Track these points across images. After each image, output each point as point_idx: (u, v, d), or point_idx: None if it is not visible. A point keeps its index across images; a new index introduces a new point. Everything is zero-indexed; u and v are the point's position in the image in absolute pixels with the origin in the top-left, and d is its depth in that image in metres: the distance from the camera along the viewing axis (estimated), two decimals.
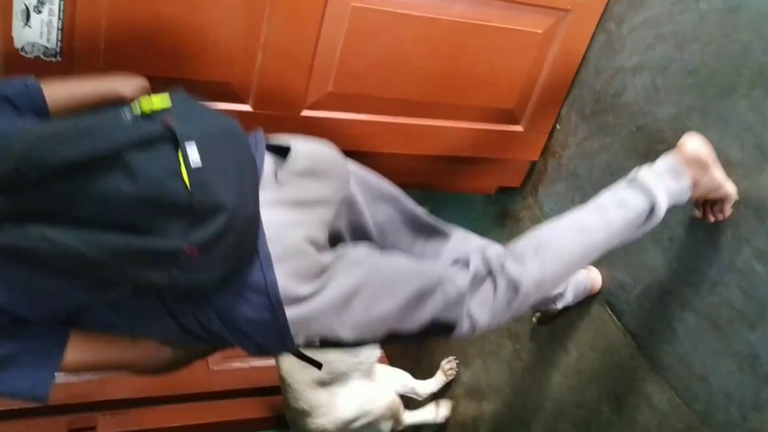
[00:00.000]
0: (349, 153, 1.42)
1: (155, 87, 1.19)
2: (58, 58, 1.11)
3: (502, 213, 1.71)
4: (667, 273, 1.25)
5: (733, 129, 1.14)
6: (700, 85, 1.21)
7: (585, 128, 1.46)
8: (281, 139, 0.98)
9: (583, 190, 1.46)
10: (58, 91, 0.93)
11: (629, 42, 1.35)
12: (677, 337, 1.22)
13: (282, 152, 0.95)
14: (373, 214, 1.04)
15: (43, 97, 0.91)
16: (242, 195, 0.81)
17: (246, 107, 1.29)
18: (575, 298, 1.38)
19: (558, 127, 1.54)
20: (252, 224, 0.83)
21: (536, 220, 1.60)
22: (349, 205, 1.00)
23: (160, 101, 0.85)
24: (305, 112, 1.33)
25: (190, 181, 0.76)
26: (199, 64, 1.20)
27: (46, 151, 0.75)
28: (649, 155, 1.30)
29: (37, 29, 1.08)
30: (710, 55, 1.19)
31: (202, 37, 1.17)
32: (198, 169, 0.77)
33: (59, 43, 1.10)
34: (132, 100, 0.90)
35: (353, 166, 1.04)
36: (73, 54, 1.11)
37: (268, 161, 0.93)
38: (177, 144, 0.79)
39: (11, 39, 1.06)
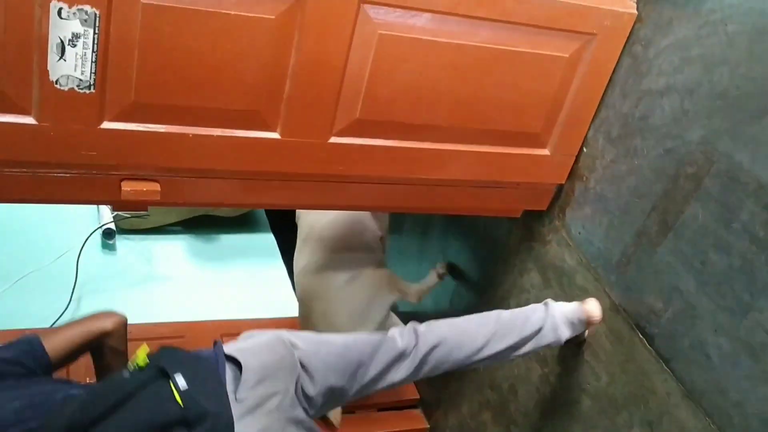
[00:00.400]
0: (377, 179, 1.45)
1: (185, 117, 1.22)
2: (92, 90, 1.13)
3: (529, 236, 1.71)
4: (699, 297, 1.24)
5: (765, 151, 1.13)
6: (729, 108, 1.20)
7: (612, 151, 1.46)
8: (234, 349, 1.23)
9: (611, 213, 1.45)
10: (55, 342, 1.19)
11: (656, 65, 1.35)
12: (711, 363, 1.21)
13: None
14: (324, 384, 1.25)
15: (46, 353, 1.16)
16: (220, 404, 1.09)
17: (275, 135, 1.30)
18: (574, 330, 1.45)
19: (585, 150, 1.53)
20: (230, 425, 1.08)
21: (563, 243, 1.59)
22: (301, 383, 1.24)
23: (144, 355, 1.16)
24: (333, 139, 1.34)
25: (182, 400, 1.05)
26: (229, 93, 1.22)
27: (87, 411, 1.03)
28: (678, 178, 1.29)
29: (72, 62, 1.10)
30: (740, 77, 1.18)
31: (231, 67, 1.19)
32: (186, 390, 1.07)
33: (93, 76, 1.12)
34: (114, 331, 1.30)
35: (301, 350, 1.26)
36: (105, 85, 1.14)
37: (229, 375, 1.18)
38: (168, 376, 1.09)
39: (47, 72, 1.09)
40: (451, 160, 1.47)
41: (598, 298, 1.47)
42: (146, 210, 1.40)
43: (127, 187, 1.27)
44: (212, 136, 1.26)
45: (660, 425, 1.31)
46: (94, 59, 1.11)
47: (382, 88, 1.32)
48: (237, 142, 1.28)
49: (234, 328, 2.27)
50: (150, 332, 2.24)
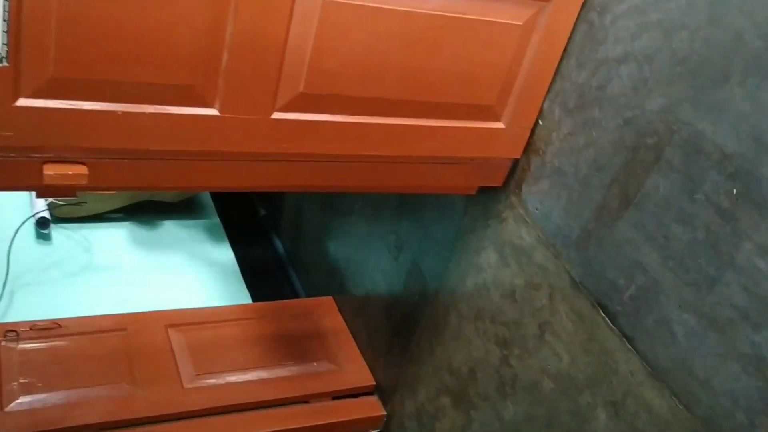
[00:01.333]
0: (325, 158, 1.37)
1: (113, 92, 1.12)
2: (4, 64, 1.02)
3: (485, 213, 1.65)
4: (662, 272, 1.20)
5: (728, 119, 1.08)
6: (690, 75, 1.15)
7: (569, 123, 1.40)
8: None
9: (569, 188, 1.40)
10: None
11: (613, 32, 1.29)
12: (676, 340, 1.17)
13: None
14: None
15: None
16: None
17: (212, 111, 1.20)
18: None
19: (540, 122, 1.48)
20: None
21: (520, 220, 1.53)
22: None
23: None
24: (276, 115, 1.25)
25: None
26: (160, 66, 1.11)
27: None
28: (638, 149, 1.25)
29: None
30: (700, 42, 1.14)
31: (162, 36, 1.08)
32: None
33: (5, 47, 1.01)
34: None
35: None
36: (20, 58, 1.02)
37: None
38: None
39: None
40: (402, 136, 1.39)
41: (558, 276, 1.42)
42: (74, 196, 1.29)
43: (49, 170, 1.16)
44: (144, 113, 1.16)
45: (624, 405, 1.27)
46: (5, 29, 1.00)
47: (328, 60, 1.23)
48: (171, 120, 1.18)
49: (181, 319, 2.17)
50: (90, 325, 2.13)
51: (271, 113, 1.25)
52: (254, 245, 2.95)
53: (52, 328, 2.08)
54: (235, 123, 1.23)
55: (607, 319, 1.31)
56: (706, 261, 1.12)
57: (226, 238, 2.85)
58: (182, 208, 2.92)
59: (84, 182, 1.19)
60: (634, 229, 1.26)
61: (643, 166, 1.24)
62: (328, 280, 2.54)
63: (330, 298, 2.47)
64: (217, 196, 3.06)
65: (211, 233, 2.87)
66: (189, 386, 2.00)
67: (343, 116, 1.32)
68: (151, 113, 1.16)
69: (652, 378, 1.22)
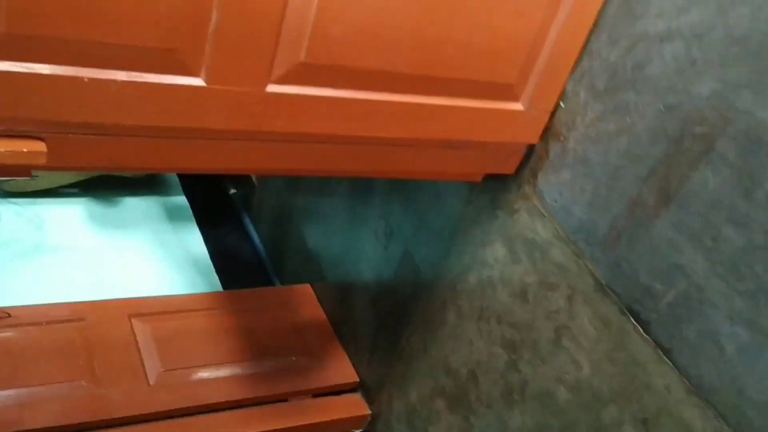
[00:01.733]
0: (323, 138, 1.20)
1: (79, 55, 0.92)
2: None
3: (492, 203, 1.50)
4: (709, 279, 1.06)
5: None
6: (751, 57, 1.01)
7: (598, 107, 1.25)
8: None
9: (596, 179, 1.26)
10: None
11: (655, 4, 1.14)
12: (725, 355, 1.04)
13: None
14: None
15: None
16: None
17: (197, 81, 1.02)
18: None
19: (562, 105, 1.33)
20: None
21: (535, 213, 1.39)
22: None
23: None
24: (271, 88, 1.07)
25: None
26: (137, 24, 0.92)
27: None
28: (682, 139, 1.10)
29: None
30: (763, 20, 0.99)
31: None
32: None
33: None
34: None
35: None
36: None
37: None
38: None
39: None
40: (411, 116, 1.23)
41: (580, 277, 1.28)
42: (29, 176, 1.09)
43: (0, 147, 0.96)
44: (115, 81, 0.96)
45: (657, 424, 1.14)
46: None
47: (334, 25, 1.05)
48: (148, 90, 0.99)
49: (145, 308, 1.98)
50: (43, 315, 1.92)
51: (265, 85, 1.07)
52: (224, 227, 2.74)
53: (1, 318, 1.86)
54: (224, 95, 1.05)
55: (639, 327, 1.18)
56: (764, 269, 0.99)
57: (192, 218, 2.64)
58: (144, 183, 2.70)
59: (42, 161, 1.00)
60: (675, 228, 1.12)
61: (688, 159, 1.10)
62: (306, 267, 2.36)
63: (307, 285, 2.30)
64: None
65: (177, 212, 2.66)
66: (155, 384, 1.81)
67: (348, 91, 1.14)
68: (123, 81, 0.97)
69: (692, 395, 1.09)
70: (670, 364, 1.12)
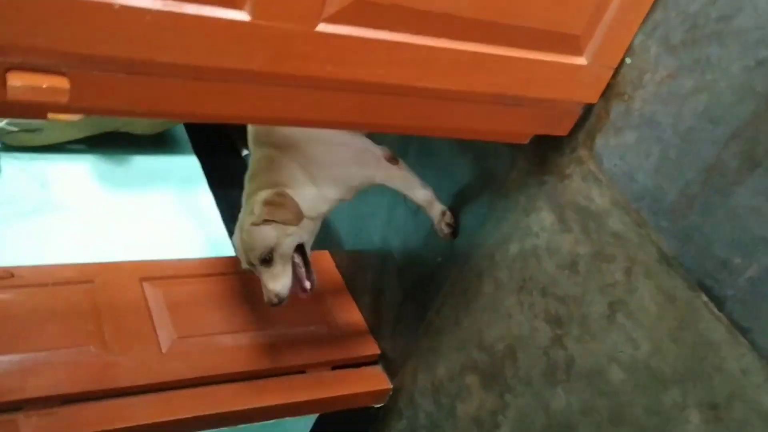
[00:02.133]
0: (374, 88, 1.09)
1: None
2: None
3: (540, 168, 1.39)
4: None
5: None
6: None
7: (672, 62, 1.14)
8: None
9: (665, 142, 1.15)
10: None
11: None
12: None
13: None
14: None
15: None
16: None
17: (242, 15, 0.90)
18: None
19: (628, 60, 1.21)
20: None
21: (591, 178, 1.28)
22: None
23: None
24: (322, 27, 0.96)
25: None
26: None
27: None
28: None
29: None
30: None
31: None
32: None
33: None
34: None
35: None
36: None
37: None
38: None
39: None
40: (469, 67, 1.11)
41: (641, 248, 1.18)
42: (45, 117, 0.98)
43: (16, 80, 0.84)
44: (150, 10, 0.85)
45: (730, 409, 1.05)
46: None
47: None
48: (186, 23, 0.87)
49: (157, 271, 1.88)
50: (49, 275, 1.82)
51: (316, 24, 0.95)
52: (237, 189, 2.62)
53: (3, 278, 1.76)
54: (269, 33, 0.93)
55: (711, 305, 1.08)
56: None
57: (204, 179, 2.52)
58: (153, 141, 2.57)
59: (63, 99, 0.88)
60: (760, 197, 1.02)
61: None
62: (324, 232, 2.25)
63: (326, 252, 2.20)
64: (193, 131, 2.71)
65: (188, 172, 2.54)
66: (168, 351, 1.71)
67: (405, 35, 1.03)
68: (158, 11, 0.85)
69: None
70: (748, 344, 1.03)
